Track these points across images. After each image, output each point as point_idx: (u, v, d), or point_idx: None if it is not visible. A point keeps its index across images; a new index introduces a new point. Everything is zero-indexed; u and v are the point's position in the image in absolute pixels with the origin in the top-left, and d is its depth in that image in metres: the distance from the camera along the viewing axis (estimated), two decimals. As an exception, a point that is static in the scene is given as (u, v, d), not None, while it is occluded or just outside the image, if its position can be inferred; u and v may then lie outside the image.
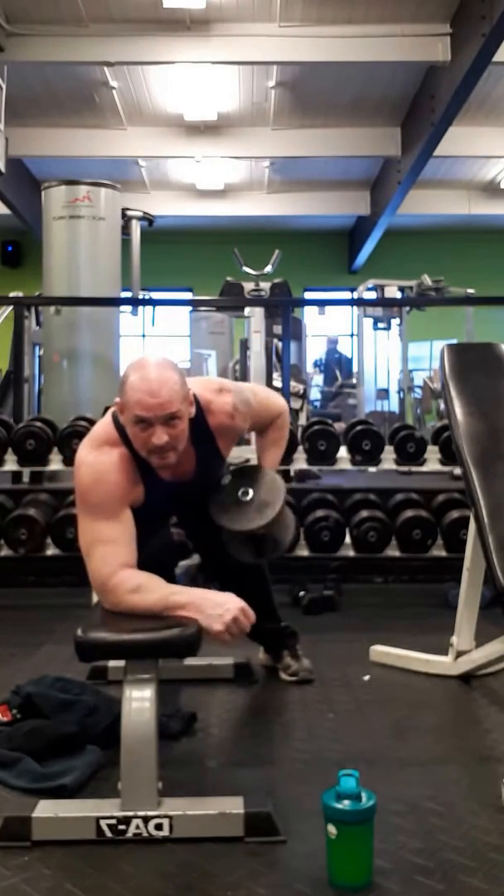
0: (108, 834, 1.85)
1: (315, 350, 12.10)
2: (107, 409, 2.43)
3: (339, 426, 4.62)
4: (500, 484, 2.59)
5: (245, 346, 8.05)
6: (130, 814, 1.86)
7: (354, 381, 10.84)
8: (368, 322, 10.53)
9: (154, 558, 2.26)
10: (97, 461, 2.21)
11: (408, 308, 10.43)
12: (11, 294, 7.11)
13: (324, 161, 11.32)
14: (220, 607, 2.06)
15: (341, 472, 4.47)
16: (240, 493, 2.50)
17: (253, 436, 4.07)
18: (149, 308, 11.79)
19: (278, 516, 2.47)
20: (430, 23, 7.85)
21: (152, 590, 2.11)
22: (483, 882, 1.70)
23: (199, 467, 2.40)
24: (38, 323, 8.37)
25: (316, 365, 11.66)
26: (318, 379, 11.59)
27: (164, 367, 2.17)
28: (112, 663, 2.76)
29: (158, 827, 1.86)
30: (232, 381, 2.68)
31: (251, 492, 2.50)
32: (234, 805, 1.89)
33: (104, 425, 2.29)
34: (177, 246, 13.68)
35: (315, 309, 14.26)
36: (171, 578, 2.31)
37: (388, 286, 10.29)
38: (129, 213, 8.44)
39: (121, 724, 1.90)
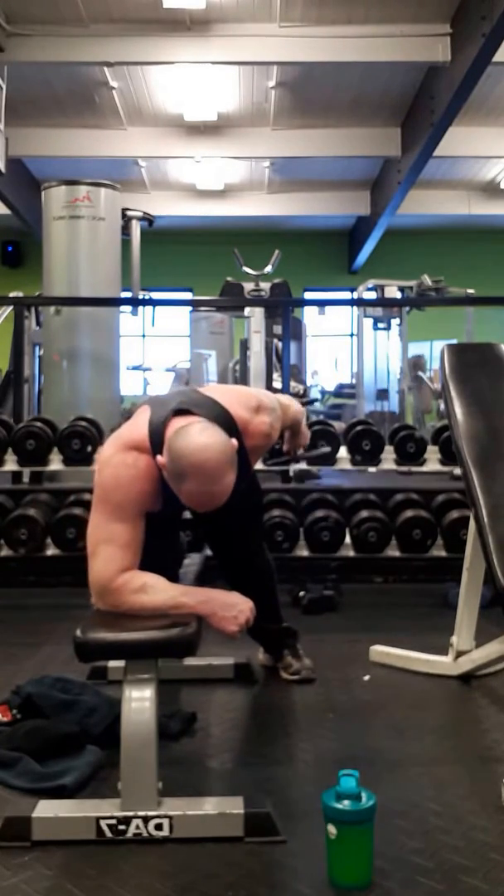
0: (108, 834, 1.85)
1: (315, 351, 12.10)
2: (130, 407, 2.36)
3: (339, 426, 4.61)
4: (500, 484, 2.59)
5: (245, 346, 8.05)
6: (130, 814, 1.86)
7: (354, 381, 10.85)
8: (368, 322, 10.54)
9: (162, 559, 2.25)
10: (124, 464, 2.14)
11: (408, 308, 10.43)
12: (11, 294, 7.10)
13: (324, 161, 11.31)
14: (232, 608, 2.06)
15: (341, 472, 4.47)
16: None
17: None
18: (149, 308, 11.79)
19: None
20: (430, 23, 7.86)
21: (160, 590, 2.10)
22: (483, 882, 1.70)
23: None
24: (38, 323, 8.38)
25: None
26: (318, 378, 11.60)
27: (224, 469, 2.02)
28: (112, 663, 2.76)
29: (158, 827, 1.86)
30: (264, 393, 2.56)
31: None
32: (234, 805, 1.89)
33: (137, 429, 2.19)
34: (177, 246, 13.68)
35: (315, 309, 14.25)
36: (174, 579, 2.31)
37: (388, 286, 10.30)
38: (129, 213, 8.43)
39: (121, 724, 1.90)
